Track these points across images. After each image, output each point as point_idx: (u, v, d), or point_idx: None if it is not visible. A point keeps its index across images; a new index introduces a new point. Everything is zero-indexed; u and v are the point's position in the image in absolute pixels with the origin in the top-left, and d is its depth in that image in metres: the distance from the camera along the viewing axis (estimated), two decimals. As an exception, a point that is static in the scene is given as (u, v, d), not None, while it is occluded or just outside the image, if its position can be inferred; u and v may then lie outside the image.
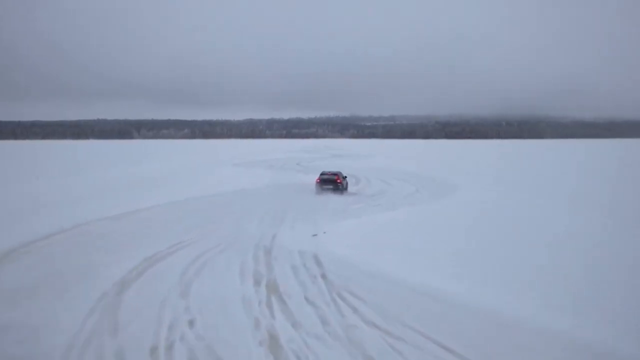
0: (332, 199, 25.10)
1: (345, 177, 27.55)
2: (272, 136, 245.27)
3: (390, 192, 28.43)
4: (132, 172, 40.64)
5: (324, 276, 11.68)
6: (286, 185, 32.20)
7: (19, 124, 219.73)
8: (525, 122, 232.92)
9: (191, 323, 8.72)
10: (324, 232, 16.37)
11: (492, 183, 32.03)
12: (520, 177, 36.24)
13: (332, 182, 25.90)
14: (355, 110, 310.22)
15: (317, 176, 28.85)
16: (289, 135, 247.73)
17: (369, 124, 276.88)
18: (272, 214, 20.25)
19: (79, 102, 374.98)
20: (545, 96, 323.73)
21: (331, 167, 44.47)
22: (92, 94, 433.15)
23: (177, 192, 26.84)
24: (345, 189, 27.01)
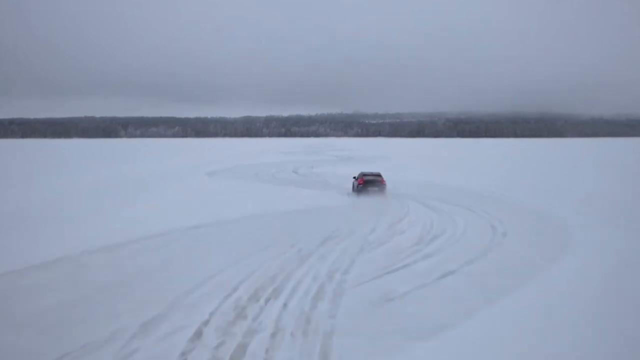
0: (351, 259, 12.63)
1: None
2: (271, 134, 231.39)
3: (447, 232, 15.92)
4: (33, 190, 28.02)
5: None
6: (270, 215, 19.55)
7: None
8: (542, 120, 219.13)
9: None
10: None
11: (606, 210, 19.66)
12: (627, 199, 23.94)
13: (377, 184, 25.75)
14: (358, 107, 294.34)
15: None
16: (289, 133, 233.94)
17: (374, 121, 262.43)
18: (225, 309, 7.66)
19: (66, 98, 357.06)
20: (561, 92, 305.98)
21: (337, 174, 38.55)
22: (79, 90, 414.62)
23: (43, 242, 13.95)
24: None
